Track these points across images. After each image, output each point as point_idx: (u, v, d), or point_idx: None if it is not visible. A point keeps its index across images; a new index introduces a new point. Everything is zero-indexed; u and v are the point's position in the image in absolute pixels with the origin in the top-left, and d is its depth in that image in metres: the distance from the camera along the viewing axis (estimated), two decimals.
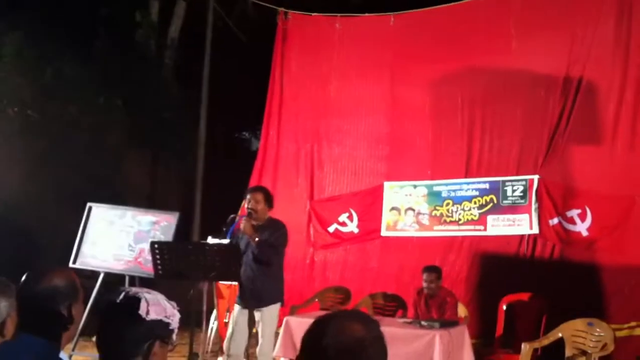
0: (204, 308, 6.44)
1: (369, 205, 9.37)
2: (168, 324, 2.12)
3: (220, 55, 11.61)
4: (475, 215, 8.61)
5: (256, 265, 5.80)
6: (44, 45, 10.33)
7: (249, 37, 13.13)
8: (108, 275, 7.54)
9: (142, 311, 2.07)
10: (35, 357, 2.29)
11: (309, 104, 10.02)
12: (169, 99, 13.13)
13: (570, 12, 8.44)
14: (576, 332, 6.40)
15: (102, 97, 11.31)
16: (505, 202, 8.43)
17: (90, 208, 7.82)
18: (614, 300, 7.47)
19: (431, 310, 6.89)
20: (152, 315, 2.08)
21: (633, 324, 7.26)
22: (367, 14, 9.87)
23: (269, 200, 6.02)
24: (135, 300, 2.09)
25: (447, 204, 8.81)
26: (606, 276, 7.61)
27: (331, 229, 9.49)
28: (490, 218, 8.50)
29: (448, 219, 8.79)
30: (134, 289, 2.16)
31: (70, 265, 7.42)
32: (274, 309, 5.92)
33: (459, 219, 8.71)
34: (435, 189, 8.96)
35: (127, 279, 7.36)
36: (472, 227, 8.60)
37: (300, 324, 6.23)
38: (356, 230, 9.39)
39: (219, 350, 7.46)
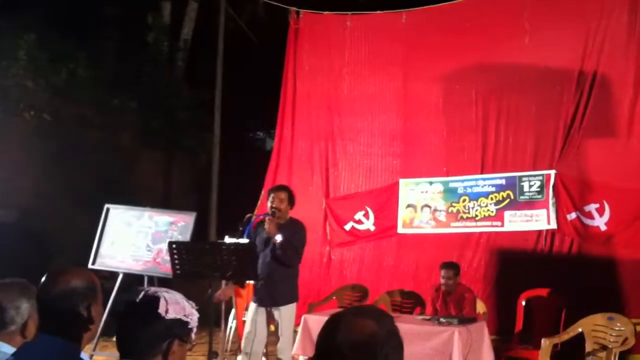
0: (223, 307, 6.47)
1: (385, 202, 9.36)
2: (187, 323, 2.13)
3: (232, 55, 11.63)
4: (492, 211, 8.57)
5: (275, 264, 5.80)
6: (57, 48, 10.38)
7: (260, 37, 13.14)
8: (127, 276, 7.57)
9: (161, 310, 2.07)
10: (56, 358, 2.29)
11: (322, 102, 10.02)
12: (181, 99, 13.17)
13: (583, 6, 8.40)
14: (596, 326, 6.36)
15: (116, 99, 11.36)
16: (522, 197, 8.38)
17: (108, 209, 7.86)
18: (633, 294, 7.40)
19: (449, 307, 6.87)
20: (171, 314, 2.08)
21: None
22: (378, 12, 9.85)
23: (292, 199, 6.02)
24: (155, 300, 2.09)
25: (464, 200, 8.78)
26: (625, 270, 7.56)
27: (347, 226, 9.48)
28: (507, 214, 8.45)
29: (465, 216, 8.76)
30: (152, 289, 2.17)
31: (90, 266, 7.47)
32: (292, 307, 5.94)
33: (476, 215, 8.67)
34: (451, 185, 8.93)
35: (145, 279, 7.38)
36: (489, 223, 8.56)
37: (318, 322, 6.22)
38: (372, 228, 9.38)
39: (237, 349, 7.47)
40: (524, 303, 7.32)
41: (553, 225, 8.12)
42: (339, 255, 9.47)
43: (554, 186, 8.17)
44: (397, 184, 9.33)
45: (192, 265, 5.39)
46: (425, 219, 9.06)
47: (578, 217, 7.98)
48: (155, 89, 12.47)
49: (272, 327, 6.06)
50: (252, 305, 5.99)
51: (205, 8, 13.75)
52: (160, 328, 2.07)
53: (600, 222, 7.85)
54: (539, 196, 8.26)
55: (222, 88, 11.16)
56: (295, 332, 6.25)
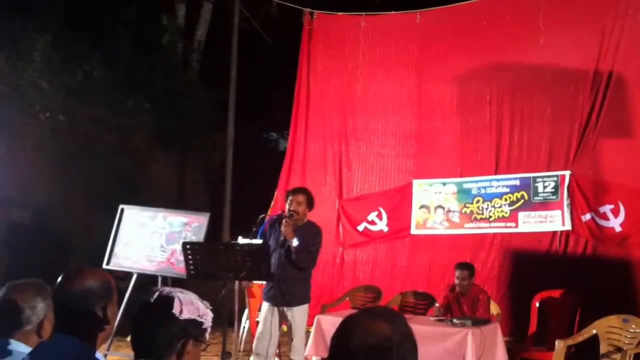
0: (236, 307, 6.47)
1: (398, 203, 9.35)
2: (201, 323, 2.13)
3: (246, 56, 11.67)
4: (506, 212, 8.53)
5: (289, 266, 5.80)
6: (72, 49, 10.44)
7: (274, 38, 13.18)
8: (140, 276, 7.60)
9: (175, 310, 2.08)
10: (71, 357, 2.31)
11: (336, 103, 10.02)
12: (195, 100, 13.22)
13: (598, 6, 8.36)
14: (611, 328, 6.32)
15: (131, 100, 11.41)
16: (536, 198, 8.34)
17: (122, 210, 7.89)
18: None
19: (463, 308, 6.85)
20: (186, 315, 2.09)
21: None
22: (392, 12, 9.84)
23: (310, 202, 5.95)
24: (169, 300, 2.10)
25: (478, 201, 8.75)
26: None
27: (360, 227, 9.47)
28: (521, 215, 8.42)
29: (479, 216, 8.73)
30: (167, 289, 2.18)
31: (104, 266, 7.49)
32: (305, 308, 5.94)
33: (490, 216, 8.64)
34: (465, 186, 8.90)
35: (159, 279, 7.41)
36: (503, 224, 8.54)
37: (331, 323, 6.22)
38: (385, 229, 9.37)
39: (250, 349, 7.48)
40: (537, 304, 7.28)
41: (567, 226, 8.09)
42: (352, 256, 9.47)
43: (568, 187, 8.13)
44: (410, 184, 9.32)
45: (206, 266, 5.40)
46: (438, 219, 9.04)
47: (593, 218, 7.94)
48: (169, 90, 12.52)
49: (285, 328, 6.06)
50: (265, 305, 5.98)
51: (220, 9, 13.80)
52: (174, 328, 2.08)
53: (615, 223, 7.81)
54: (554, 197, 8.22)
55: (236, 89, 11.19)
56: (307, 332, 6.25)
